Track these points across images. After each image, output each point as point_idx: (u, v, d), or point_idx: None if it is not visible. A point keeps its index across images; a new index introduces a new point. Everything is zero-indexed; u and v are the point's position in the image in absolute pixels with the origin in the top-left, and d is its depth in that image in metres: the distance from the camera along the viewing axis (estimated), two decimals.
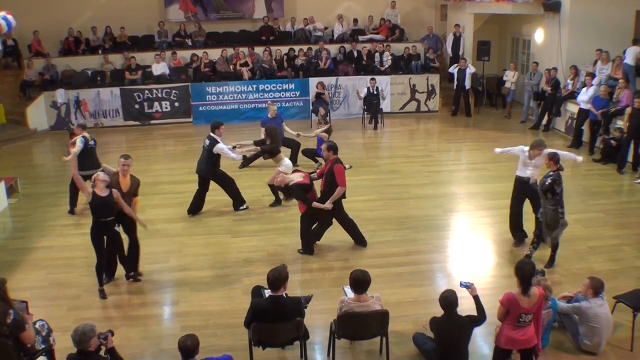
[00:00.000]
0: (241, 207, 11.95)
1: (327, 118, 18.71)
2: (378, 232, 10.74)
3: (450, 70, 19.89)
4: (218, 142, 11.34)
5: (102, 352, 5.94)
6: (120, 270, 9.25)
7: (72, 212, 12.00)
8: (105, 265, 8.89)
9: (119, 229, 8.97)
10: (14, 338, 6.16)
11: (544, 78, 17.96)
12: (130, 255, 9.20)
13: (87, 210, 11.92)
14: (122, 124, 19.60)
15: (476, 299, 6.62)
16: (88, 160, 11.39)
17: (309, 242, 10.00)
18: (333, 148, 9.73)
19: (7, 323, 6.09)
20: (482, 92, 20.76)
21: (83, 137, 11.40)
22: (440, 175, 14.08)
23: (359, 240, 10.20)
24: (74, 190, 11.90)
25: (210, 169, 11.60)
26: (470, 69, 19.48)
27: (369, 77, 19.32)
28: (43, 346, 6.60)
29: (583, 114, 15.81)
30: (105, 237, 8.58)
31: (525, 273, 6.32)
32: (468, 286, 6.64)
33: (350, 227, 10.12)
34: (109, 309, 8.52)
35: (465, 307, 6.91)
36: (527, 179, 9.60)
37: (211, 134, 11.43)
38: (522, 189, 9.83)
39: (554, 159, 8.97)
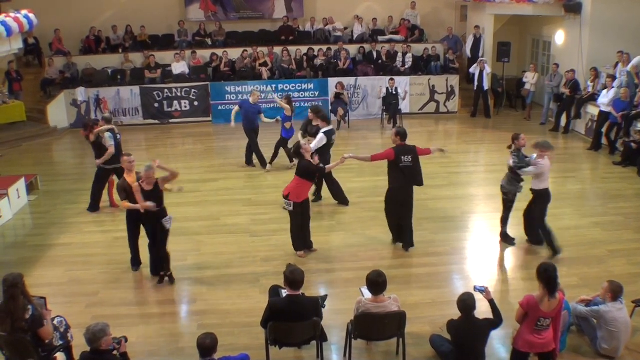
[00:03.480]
0: (315, 200, 12.00)
1: (346, 118, 18.77)
2: None
3: (472, 70, 19.76)
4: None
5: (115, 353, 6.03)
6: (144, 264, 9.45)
7: (91, 209, 12.07)
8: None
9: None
10: (32, 334, 6.22)
11: (564, 80, 17.80)
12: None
13: (106, 209, 12.12)
14: (141, 123, 19.71)
15: (491, 302, 6.60)
16: (117, 154, 11.46)
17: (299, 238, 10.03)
18: (400, 134, 10.10)
19: (26, 319, 6.16)
20: (502, 93, 20.65)
21: (111, 131, 11.55)
22: (458, 177, 14.02)
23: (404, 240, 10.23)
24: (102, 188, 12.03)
25: None
26: (487, 70, 19.36)
27: (388, 77, 19.25)
28: (61, 342, 6.66)
29: (603, 116, 15.65)
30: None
31: (550, 275, 6.25)
32: (483, 290, 6.62)
33: (397, 221, 10.19)
34: (126, 306, 8.57)
35: (483, 309, 6.88)
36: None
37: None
38: None
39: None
